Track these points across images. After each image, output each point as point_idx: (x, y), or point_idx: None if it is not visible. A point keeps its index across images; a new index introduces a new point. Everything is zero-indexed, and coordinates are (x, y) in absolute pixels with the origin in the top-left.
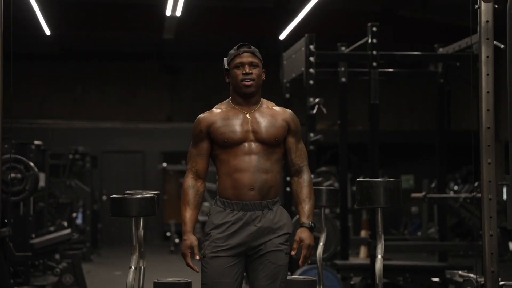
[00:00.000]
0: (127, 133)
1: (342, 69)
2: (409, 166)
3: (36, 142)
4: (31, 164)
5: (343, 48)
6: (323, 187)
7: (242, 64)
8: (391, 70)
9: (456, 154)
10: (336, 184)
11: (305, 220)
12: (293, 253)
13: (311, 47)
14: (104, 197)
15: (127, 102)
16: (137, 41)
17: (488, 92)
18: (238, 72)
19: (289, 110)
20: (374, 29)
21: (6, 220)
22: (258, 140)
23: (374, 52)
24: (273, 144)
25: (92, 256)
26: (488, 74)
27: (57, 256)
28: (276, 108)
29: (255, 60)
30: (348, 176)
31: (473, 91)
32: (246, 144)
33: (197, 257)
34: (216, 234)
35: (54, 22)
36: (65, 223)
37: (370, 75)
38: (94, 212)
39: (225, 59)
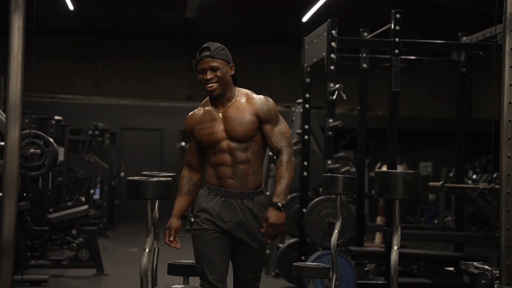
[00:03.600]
0: (147, 111)
1: (364, 55)
2: (428, 153)
3: (56, 117)
4: (51, 140)
5: (365, 34)
6: (339, 175)
7: (203, 70)
8: (413, 57)
9: (476, 142)
10: (353, 170)
11: (274, 199)
12: (262, 230)
13: (333, 32)
14: (122, 174)
15: (148, 80)
16: (160, 19)
17: (510, 84)
18: (201, 77)
19: (258, 99)
20: (398, 15)
21: (24, 194)
22: (231, 138)
23: (397, 39)
24: (244, 140)
25: (108, 231)
26: (511, 67)
27: (74, 231)
28: (248, 99)
29: (215, 64)
30: (366, 161)
31: (496, 80)
32: (223, 143)
33: (171, 238)
34: (203, 216)
35: None
36: (83, 198)
37: (391, 63)
38: (112, 188)
39: (193, 61)
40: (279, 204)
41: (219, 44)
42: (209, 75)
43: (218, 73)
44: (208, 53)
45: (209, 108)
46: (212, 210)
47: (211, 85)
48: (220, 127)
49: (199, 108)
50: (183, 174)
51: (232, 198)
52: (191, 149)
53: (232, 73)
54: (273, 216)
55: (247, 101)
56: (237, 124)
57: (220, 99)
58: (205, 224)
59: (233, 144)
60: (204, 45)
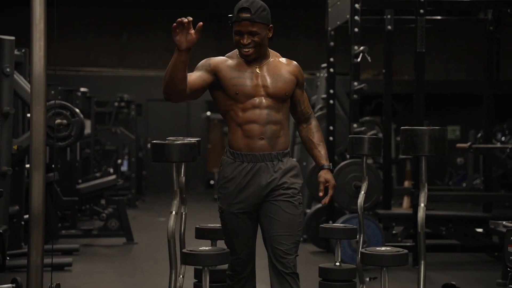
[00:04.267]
0: None
1: (388, 16)
2: (456, 116)
3: (82, 89)
4: (77, 110)
5: None
6: (365, 136)
7: (240, 33)
8: (439, 17)
9: (505, 104)
10: (380, 134)
11: (324, 162)
12: (321, 194)
13: None
14: (149, 145)
15: (173, 50)
16: None
17: None
18: (238, 38)
19: (294, 62)
20: None
21: (53, 165)
22: (269, 95)
23: None
24: (283, 99)
25: (137, 202)
26: None
27: (103, 202)
28: (283, 60)
29: (253, 29)
30: (392, 126)
31: None
32: (257, 99)
33: (192, 31)
34: (229, 188)
35: None
36: (111, 170)
37: (416, 23)
38: (139, 159)
39: (230, 16)
40: (331, 166)
41: (260, 3)
42: (246, 40)
43: (256, 39)
44: (248, 15)
45: (241, 60)
46: (239, 178)
47: (247, 49)
48: (256, 81)
49: (225, 57)
50: None
51: (261, 161)
52: (200, 76)
53: (271, 35)
54: (331, 178)
55: (283, 62)
56: (280, 81)
57: (255, 59)
58: (233, 198)
59: (269, 102)
60: (244, 4)
